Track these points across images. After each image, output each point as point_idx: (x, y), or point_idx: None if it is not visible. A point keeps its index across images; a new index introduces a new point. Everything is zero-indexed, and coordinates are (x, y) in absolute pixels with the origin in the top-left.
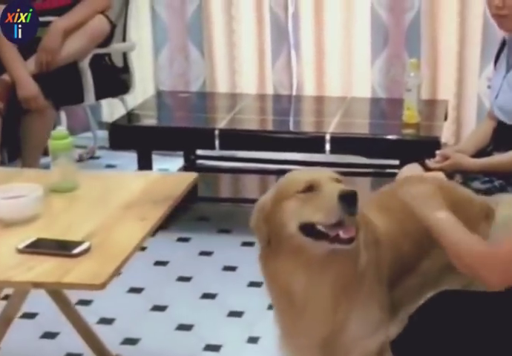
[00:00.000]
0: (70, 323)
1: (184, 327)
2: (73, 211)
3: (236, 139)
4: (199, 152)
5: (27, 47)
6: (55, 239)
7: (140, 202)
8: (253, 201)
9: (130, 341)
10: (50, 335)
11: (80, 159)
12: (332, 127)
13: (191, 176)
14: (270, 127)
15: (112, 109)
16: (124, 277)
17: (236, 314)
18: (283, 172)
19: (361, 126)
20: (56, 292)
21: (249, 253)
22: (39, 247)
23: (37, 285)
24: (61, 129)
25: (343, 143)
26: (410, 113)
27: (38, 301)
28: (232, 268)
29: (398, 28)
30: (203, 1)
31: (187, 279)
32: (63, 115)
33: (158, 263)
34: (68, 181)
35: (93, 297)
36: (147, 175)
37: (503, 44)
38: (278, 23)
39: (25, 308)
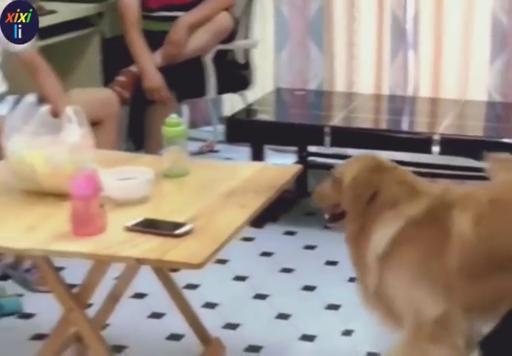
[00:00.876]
0: (175, 305)
1: (282, 316)
2: (180, 195)
3: (346, 136)
4: (311, 149)
5: (155, 40)
6: (160, 220)
7: (243, 190)
8: None
9: (231, 326)
10: (156, 315)
11: (200, 152)
12: (442, 128)
13: (295, 168)
14: (381, 125)
15: (233, 104)
16: (230, 265)
17: (333, 307)
18: None
19: (474, 128)
20: (164, 275)
21: None
22: (146, 226)
23: (140, 261)
24: (175, 116)
25: (453, 144)
26: None
27: (149, 283)
28: (334, 263)
29: None
30: (326, 0)
31: (290, 270)
32: (185, 108)
33: (264, 254)
34: (179, 167)
35: (200, 282)
36: (252, 165)
37: None
38: (398, 24)
39: (136, 288)
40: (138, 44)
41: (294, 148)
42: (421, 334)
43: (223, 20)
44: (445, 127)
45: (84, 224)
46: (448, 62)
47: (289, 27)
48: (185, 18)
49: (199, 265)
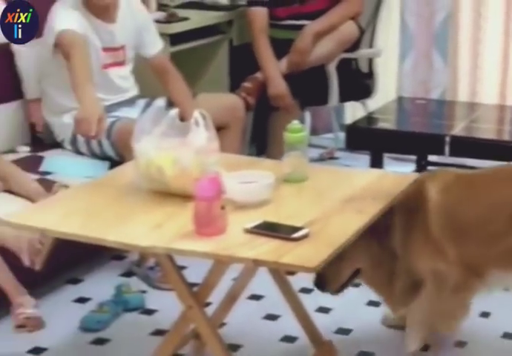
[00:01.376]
0: (290, 308)
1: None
2: (299, 200)
3: (467, 146)
4: (431, 158)
5: (281, 48)
6: (279, 223)
7: (361, 196)
8: None
9: (344, 331)
10: (272, 317)
11: (320, 159)
12: None
13: (413, 176)
14: (503, 136)
15: (354, 112)
16: None
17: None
18: None
19: None
20: (281, 278)
21: None
22: (264, 229)
23: (257, 262)
24: (297, 123)
25: None
26: None
27: (266, 285)
28: None
29: None
30: (453, 10)
31: None
32: (308, 115)
33: None
34: (299, 172)
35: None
36: (371, 172)
37: None
38: None
39: (253, 290)
40: (265, 51)
41: (414, 157)
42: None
43: (349, 29)
44: None
45: (206, 224)
46: None
47: (413, 37)
48: (312, 26)
49: (314, 269)
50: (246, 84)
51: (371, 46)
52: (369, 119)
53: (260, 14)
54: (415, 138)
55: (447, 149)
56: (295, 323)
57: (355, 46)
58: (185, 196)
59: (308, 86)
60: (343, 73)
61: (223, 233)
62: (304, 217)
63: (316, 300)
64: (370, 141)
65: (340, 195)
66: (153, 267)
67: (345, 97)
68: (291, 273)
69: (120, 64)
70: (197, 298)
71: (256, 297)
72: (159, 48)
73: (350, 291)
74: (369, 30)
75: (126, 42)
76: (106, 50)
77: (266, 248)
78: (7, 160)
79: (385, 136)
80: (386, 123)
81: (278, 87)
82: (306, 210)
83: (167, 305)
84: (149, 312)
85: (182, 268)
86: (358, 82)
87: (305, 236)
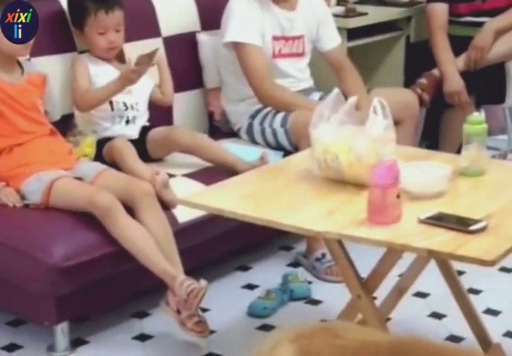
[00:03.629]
0: (458, 307)
1: None
2: (475, 194)
3: None
4: None
5: (459, 45)
6: (455, 215)
7: None
8: None
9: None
10: (437, 315)
11: None
12: None
13: None
14: None
15: None
16: None
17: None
18: None
19: None
20: (451, 276)
21: None
22: (439, 220)
23: (431, 252)
24: (477, 114)
25: None
26: None
27: (433, 283)
28: None
29: None
30: None
31: None
32: (483, 114)
33: None
34: (477, 166)
35: (484, 288)
36: None
37: None
38: None
39: (419, 287)
40: (442, 47)
41: None
42: None
43: None
44: None
45: (380, 212)
46: None
47: None
48: (492, 23)
49: (491, 263)
50: (422, 80)
51: None
52: None
53: (439, 10)
54: None
55: None
56: (462, 323)
57: None
58: (359, 185)
59: (485, 84)
60: None
61: (397, 223)
62: (481, 211)
63: (485, 301)
64: None
65: None
66: (319, 258)
67: None
68: (459, 272)
69: (299, 55)
70: (366, 287)
71: (422, 295)
72: (337, 43)
73: None
74: None
75: (305, 32)
76: (284, 38)
77: (441, 239)
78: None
79: None
80: None
81: (454, 83)
82: (482, 204)
83: (332, 297)
84: (315, 302)
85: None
86: None
87: (482, 229)
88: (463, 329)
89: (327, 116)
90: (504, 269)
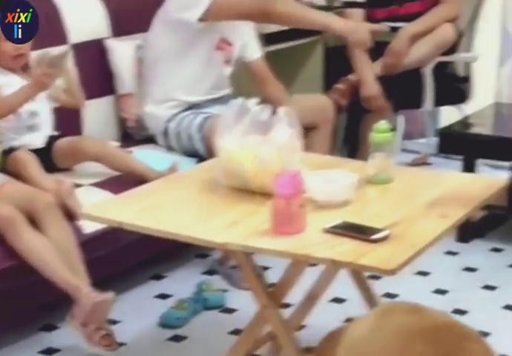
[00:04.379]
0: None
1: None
2: (381, 202)
3: None
4: None
5: (377, 50)
6: (358, 224)
7: (446, 200)
8: None
9: None
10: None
11: (412, 164)
12: None
13: (502, 181)
14: None
15: (450, 117)
16: (431, 278)
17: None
18: None
19: None
20: (362, 281)
21: None
22: (343, 229)
23: (334, 262)
24: (384, 123)
25: None
26: None
27: (349, 288)
28: None
29: None
30: None
31: (492, 288)
32: (401, 119)
33: (467, 269)
34: (384, 174)
35: (399, 292)
36: (458, 176)
37: None
38: None
39: (335, 293)
40: (359, 53)
41: (508, 164)
42: None
43: (446, 32)
44: None
45: (284, 222)
46: None
47: None
48: (408, 28)
49: (392, 272)
50: (339, 86)
51: (469, 50)
52: (464, 123)
53: (356, 15)
54: (509, 144)
55: None
56: None
57: (451, 49)
58: (264, 194)
59: (402, 89)
60: (438, 77)
61: (301, 233)
62: (386, 219)
63: None
64: (464, 146)
65: (425, 198)
66: (235, 266)
67: (440, 101)
68: (376, 277)
69: (228, 61)
70: (273, 298)
71: (338, 300)
72: (260, 54)
73: (434, 299)
74: (468, 33)
75: (237, 42)
76: (222, 42)
77: (344, 249)
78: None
79: (479, 141)
80: (482, 128)
81: (371, 89)
82: (388, 212)
83: (248, 305)
84: (229, 311)
85: (266, 268)
86: (454, 86)
87: (385, 238)
88: None
89: (232, 126)
90: (420, 273)
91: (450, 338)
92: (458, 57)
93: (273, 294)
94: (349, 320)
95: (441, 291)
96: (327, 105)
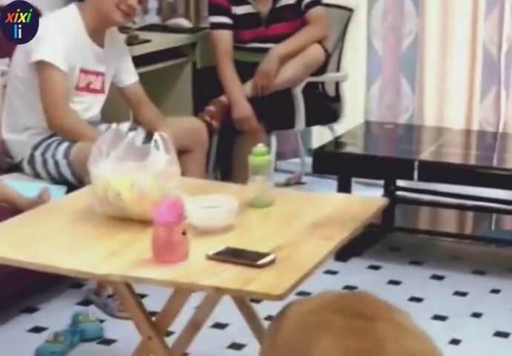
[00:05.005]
0: (255, 337)
1: None
2: (264, 225)
3: (435, 171)
4: (399, 183)
5: (246, 71)
6: (243, 250)
7: (328, 222)
8: (449, 235)
9: None
10: (236, 346)
11: (287, 184)
12: None
13: (381, 200)
14: (471, 161)
15: (322, 136)
16: None
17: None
18: (480, 209)
19: None
20: (245, 305)
21: (437, 286)
22: (228, 255)
23: (219, 290)
24: (262, 146)
25: None
26: None
27: (230, 313)
28: (419, 300)
29: None
30: (419, 36)
31: None
32: (273, 139)
33: (347, 287)
34: (264, 197)
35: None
36: (338, 197)
37: None
38: (490, 60)
39: (217, 318)
40: (229, 74)
41: (382, 182)
42: None
43: (315, 52)
44: None
45: (166, 251)
46: None
47: (381, 62)
48: (277, 49)
49: (280, 297)
50: (210, 108)
51: (338, 70)
52: (337, 143)
53: (224, 37)
54: (383, 162)
55: (415, 174)
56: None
57: (321, 69)
58: (143, 222)
59: (274, 110)
60: (309, 97)
61: (184, 261)
62: (270, 243)
63: None
64: (337, 165)
65: (307, 220)
66: (112, 295)
67: (312, 121)
68: (257, 300)
69: (98, 91)
70: (157, 328)
71: (220, 326)
72: (136, 78)
73: None
74: (336, 53)
75: (108, 70)
76: (87, 72)
77: (229, 276)
78: None
79: (352, 160)
80: (354, 147)
81: (243, 110)
82: (271, 235)
83: (127, 335)
84: (108, 342)
85: (143, 296)
86: (325, 106)
87: (271, 263)
88: None
89: (106, 152)
90: (301, 293)
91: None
92: (328, 77)
93: (157, 325)
94: (233, 346)
95: None
96: (200, 128)
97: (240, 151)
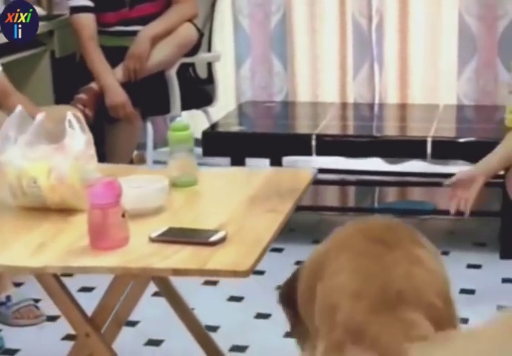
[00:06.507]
0: (185, 327)
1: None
2: (197, 204)
3: (335, 145)
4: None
5: (114, 56)
6: (188, 228)
7: (265, 195)
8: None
9: (238, 348)
10: (155, 342)
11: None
12: (432, 131)
13: (310, 171)
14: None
15: (195, 122)
16: (222, 286)
17: None
18: (363, 183)
19: (462, 130)
20: (173, 296)
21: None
22: (173, 236)
23: (177, 272)
24: (181, 120)
25: (445, 147)
26: None
27: (140, 309)
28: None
29: (490, 37)
30: (287, 13)
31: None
32: (150, 126)
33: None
34: (189, 175)
35: (195, 305)
36: (266, 170)
37: None
38: (361, 35)
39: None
40: (97, 60)
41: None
42: None
43: (187, 31)
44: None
45: (104, 236)
46: (415, 72)
47: (249, 41)
48: (147, 30)
49: (246, 273)
50: (81, 96)
51: (209, 50)
52: (225, 124)
53: (86, 21)
54: (278, 139)
55: (313, 149)
56: (185, 344)
57: (194, 50)
58: (62, 211)
59: (148, 94)
60: (182, 80)
61: (126, 246)
62: (213, 221)
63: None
64: (231, 146)
65: (242, 195)
66: (4, 302)
67: (186, 105)
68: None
69: None
70: (94, 324)
71: (131, 323)
72: None
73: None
74: (206, 33)
75: None
76: None
77: (183, 256)
78: None
79: (247, 139)
80: (245, 127)
81: (117, 96)
82: (211, 213)
83: (29, 343)
84: (11, 352)
85: (91, 289)
86: (198, 89)
87: (223, 240)
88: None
89: (14, 138)
90: (208, 282)
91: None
92: (201, 57)
93: (94, 321)
94: (150, 342)
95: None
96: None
97: (114, 140)
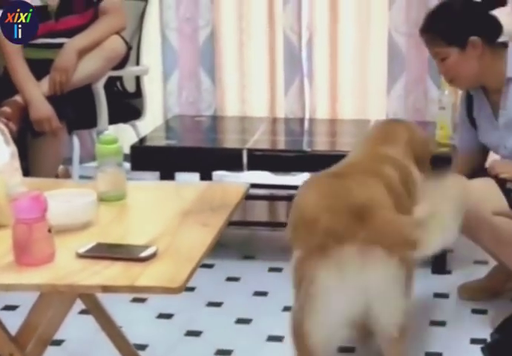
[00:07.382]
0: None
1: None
2: (127, 219)
3: (265, 159)
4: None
5: (39, 69)
6: (117, 244)
7: (197, 209)
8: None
9: None
10: None
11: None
12: None
13: (243, 186)
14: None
15: (123, 137)
16: (151, 303)
17: (274, 338)
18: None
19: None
20: (101, 313)
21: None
22: (101, 251)
23: (107, 289)
24: (109, 133)
25: None
26: (444, 133)
27: (65, 327)
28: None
29: (419, 54)
30: (215, 27)
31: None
32: (76, 140)
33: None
34: (117, 189)
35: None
36: (197, 184)
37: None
38: (292, 50)
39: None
40: (21, 72)
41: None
42: None
43: (115, 44)
44: None
45: (31, 251)
46: (345, 89)
47: (176, 55)
48: (73, 42)
49: (179, 289)
50: (5, 109)
51: (137, 63)
52: (154, 138)
53: None
54: (209, 154)
55: (244, 163)
56: None
57: (122, 63)
58: None
59: (74, 108)
60: (110, 93)
61: (51, 262)
62: (143, 236)
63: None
64: (161, 160)
65: (173, 209)
66: None
67: (113, 119)
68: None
69: None
70: (18, 343)
71: (56, 342)
72: None
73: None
74: (135, 46)
75: None
76: None
77: (113, 272)
78: None
79: (177, 153)
80: (175, 141)
81: (42, 109)
82: (142, 228)
83: None
84: None
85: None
86: (125, 103)
87: (154, 255)
88: None
89: None
90: (137, 299)
91: None
92: (129, 71)
93: (18, 340)
94: None
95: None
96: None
97: (39, 154)
